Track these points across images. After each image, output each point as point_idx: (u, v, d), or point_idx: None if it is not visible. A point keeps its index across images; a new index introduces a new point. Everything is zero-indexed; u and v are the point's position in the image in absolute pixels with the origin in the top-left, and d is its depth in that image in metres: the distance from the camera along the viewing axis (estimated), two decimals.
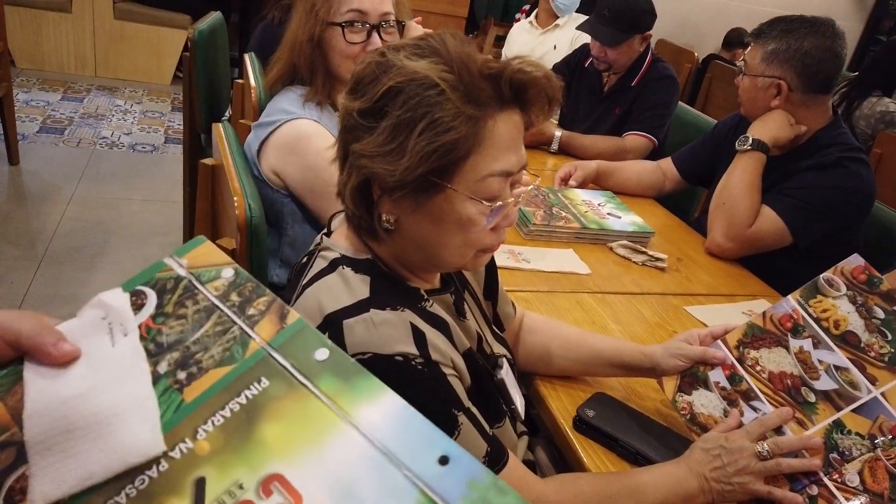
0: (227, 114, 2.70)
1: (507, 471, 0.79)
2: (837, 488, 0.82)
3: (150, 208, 2.97)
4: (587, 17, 2.87)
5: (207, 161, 1.52)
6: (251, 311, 0.48)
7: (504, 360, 0.94)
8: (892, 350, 0.85)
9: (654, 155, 2.19)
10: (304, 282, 0.81)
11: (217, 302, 0.48)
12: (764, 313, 0.95)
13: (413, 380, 0.72)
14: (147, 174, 3.30)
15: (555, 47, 3.04)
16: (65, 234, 2.66)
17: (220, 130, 1.52)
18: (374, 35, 1.39)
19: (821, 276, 0.92)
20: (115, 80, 4.44)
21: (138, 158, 3.45)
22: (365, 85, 0.75)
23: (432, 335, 0.76)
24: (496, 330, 1.00)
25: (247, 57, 2.20)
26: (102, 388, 0.43)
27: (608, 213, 1.67)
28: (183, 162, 2.56)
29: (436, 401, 0.74)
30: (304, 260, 0.87)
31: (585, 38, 2.64)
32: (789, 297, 0.93)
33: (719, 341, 0.96)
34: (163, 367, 0.46)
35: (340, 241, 0.85)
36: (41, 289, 2.31)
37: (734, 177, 1.62)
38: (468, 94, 0.73)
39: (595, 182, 1.93)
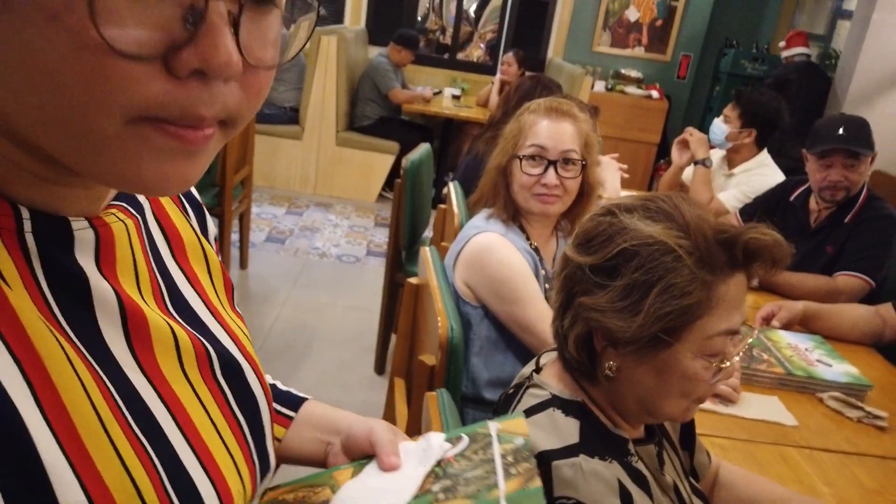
0: (426, 233, 2.93)
1: None
2: None
3: (350, 315, 3.24)
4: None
5: (413, 280, 1.67)
6: (513, 470, 0.61)
7: None
8: None
9: (870, 299, 2.01)
10: None
11: (497, 458, 0.63)
12: None
13: None
14: (349, 283, 3.62)
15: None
16: (278, 333, 2.98)
17: (427, 254, 1.67)
18: (551, 170, 1.48)
19: None
20: (329, 198, 5.01)
21: (343, 268, 3.81)
22: (597, 243, 0.81)
23: (640, 500, 0.77)
24: (693, 482, 0.97)
25: (451, 185, 2.41)
26: (388, 490, 0.61)
27: (817, 360, 1.56)
28: (384, 275, 2.78)
29: None
30: (511, 392, 0.92)
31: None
32: None
33: None
34: (436, 486, 0.61)
35: (552, 381, 0.89)
36: None
37: None
38: (703, 259, 0.76)
39: (801, 324, 1.81)
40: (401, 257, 2.73)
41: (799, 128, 2.92)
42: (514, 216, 1.57)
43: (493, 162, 1.58)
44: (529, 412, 0.85)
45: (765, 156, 2.79)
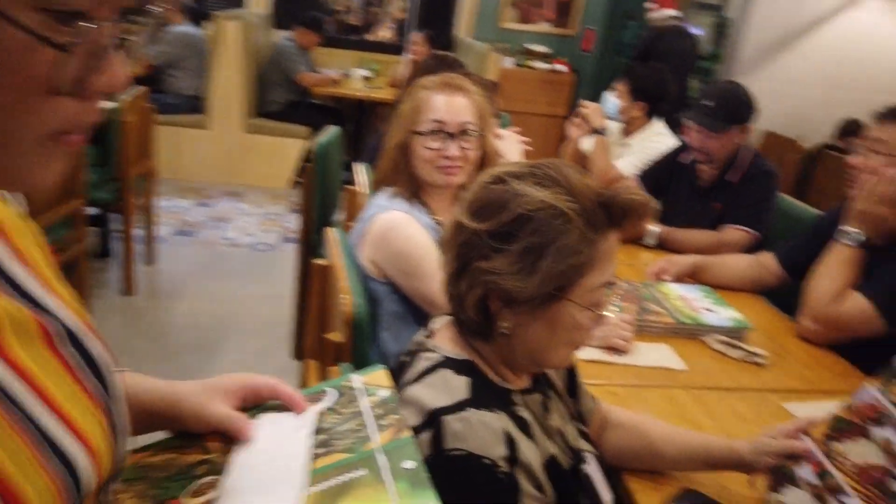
0: (337, 216, 2.92)
1: None
2: None
3: (266, 303, 3.20)
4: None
5: (320, 262, 1.68)
6: (383, 422, 0.65)
7: (590, 455, 0.97)
8: None
9: (755, 250, 2.16)
10: (407, 380, 0.90)
11: (366, 410, 0.67)
12: (847, 404, 0.92)
13: (489, 483, 0.78)
14: (263, 272, 3.57)
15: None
16: (190, 327, 2.92)
17: (332, 235, 1.68)
18: (451, 142, 1.52)
19: None
20: (240, 187, 4.89)
21: (257, 257, 3.76)
22: (492, 209, 0.84)
23: (524, 446, 0.82)
24: (580, 426, 1.03)
25: (359, 167, 2.41)
26: (282, 461, 0.63)
27: (704, 308, 1.66)
28: (296, 261, 2.77)
29: None
30: (407, 359, 0.95)
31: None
32: (869, 385, 0.90)
33: (803, 434, 0.94)
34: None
35: (443, 343, 0.92)
36: (168, 378, 2.51)
37: (822, 261, 1.65)
38: (588, 220, 0.82)
39: (692, 276, 1.93)
40: (313, 242, 2.72)
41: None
42: (416, 193, 1.60)
43: (392, 141, 1.60)
44: (423, 374, 0.88)
45: (658, 124, 2.93)
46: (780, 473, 0.94)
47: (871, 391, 0.90)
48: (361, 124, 5.25)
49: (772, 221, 2.27)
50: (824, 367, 1.53)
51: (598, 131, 2.81)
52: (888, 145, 1.59)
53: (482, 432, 0.79)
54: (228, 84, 4.72)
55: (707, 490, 1.02)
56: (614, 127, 3.00)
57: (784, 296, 1.97)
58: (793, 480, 0.92)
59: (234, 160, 4.91)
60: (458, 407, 0.81)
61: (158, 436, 0.69)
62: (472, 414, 0.80)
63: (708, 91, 2.35)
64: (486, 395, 0.84)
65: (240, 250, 3.82)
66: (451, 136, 1.52)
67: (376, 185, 1.70)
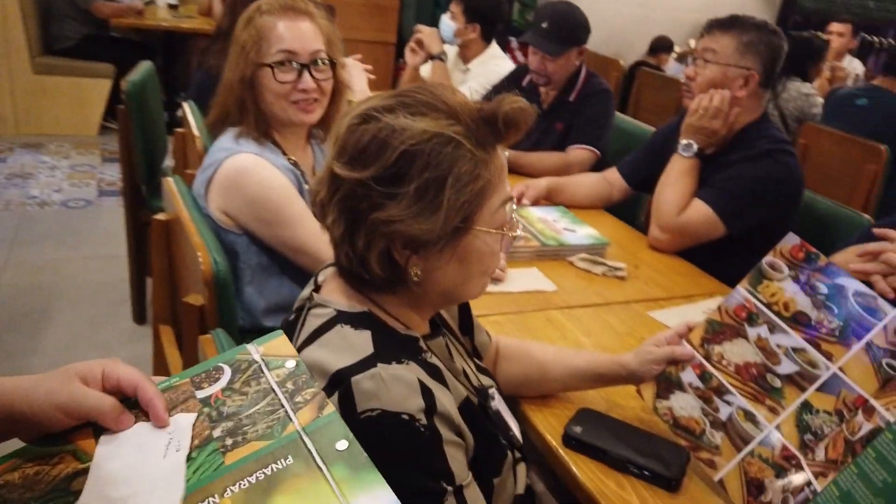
0: (167, 163, 2.66)
1: None
2: (810, 467, 0.83)
3: (93, 265, 2.88)
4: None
5: (161, 216, 1.51)
6: (298, 399, 0.57)
7: (494, 390, 0.96)
8: (840, 323, 0.87)
9: (598, 166, 2.26)
10: (299, 342, 0.82)
11: (275, 386, 0.58)
12: (719, 307, 0.98)
13: (409, 440, 0.74)
14: (84, 230, 3.20)
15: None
16: (4, 302, 2.55)
17: (172, 185, 1.50)
18: (305, 74, 1.41)
19: (763, 260, 0.96)
20: (38, 137, 4.30)
21: (72, 215, 3.35)
22: (371, 152, 0.76)
23: (440, 393, 0.78)
24: (478, 362, 1.02)
25: (186, 106, 2.18)
26: (141, 496, 0.51)
27: (564, 228, 1.72)
28: (124, 215, 2.49)
29: (425, 466, 0.75)
30: (293, 318, 0.87)
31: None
32: (739, 287, 0.97)
33: (684, 341, 1.00)
34: (217, 432, 0.55)
35: (334, 296, 0.85)
36: None
37: (665, 173, 1.77)
38: (477, 140, 0.77)
39: (547, 198, 1.98)
40: (140, 193, 2.45)
41: None
42: (265, 131, 1.46)
43: (234, 75, 1.43)
44: (317, 333, 0.81)
45: (495, 48, 2.94)
46: (667, 381, 1.00)
47: (742, 292, 0.97)
48: (174, 59, 4.76)
49: (609, 138, 2.39)
50: (677, 273, 1.65)
51: (436, 56, 2.76)
52: (718, 54, 1.71)
53: (395, 387, 0.74)
54: (4, 17, 4.05)
55: (599, 407, 1.07)
56: (452, 52, 2.96)
57: (624, 209, 2.10)
58: (680, 386, 0.98)
59: (24, 107, 4.27)
60: (364, 364, 0.75)
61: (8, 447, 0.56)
62: (382, 369, 0.75)
63: (543, 13, 2.37)
64: (392, 346, 0.79)
65: (51, 209, 3.37)
66: (304, 66, 1.40)
67: (213, 126, 1.53)
